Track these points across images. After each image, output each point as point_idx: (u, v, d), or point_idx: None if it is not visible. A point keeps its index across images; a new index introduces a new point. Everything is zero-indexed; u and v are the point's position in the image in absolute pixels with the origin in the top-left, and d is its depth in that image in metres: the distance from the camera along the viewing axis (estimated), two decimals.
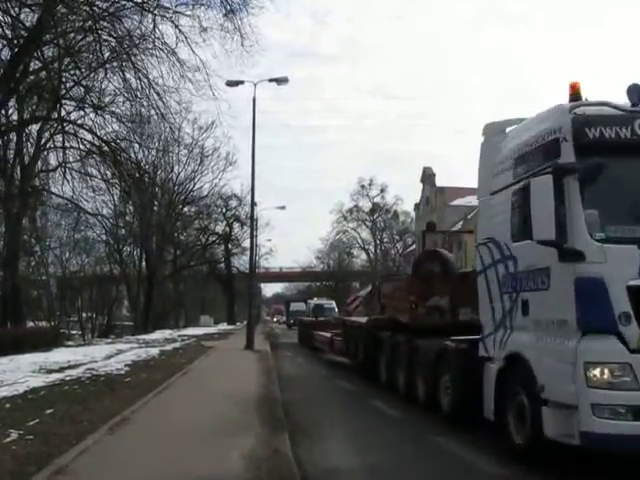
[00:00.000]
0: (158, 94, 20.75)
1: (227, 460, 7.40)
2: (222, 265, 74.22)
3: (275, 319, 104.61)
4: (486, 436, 9.04)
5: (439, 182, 67.72)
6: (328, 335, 23.55)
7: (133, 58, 20.55)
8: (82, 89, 23.01)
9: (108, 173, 26.58)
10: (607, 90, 7.66)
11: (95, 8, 19.55)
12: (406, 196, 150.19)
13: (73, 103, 23.65)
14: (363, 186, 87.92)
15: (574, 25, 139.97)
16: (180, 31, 20.02)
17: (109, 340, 37.46)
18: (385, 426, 10.74)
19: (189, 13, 20.15)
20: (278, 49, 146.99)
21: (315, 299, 58.60)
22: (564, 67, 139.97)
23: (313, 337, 27.23)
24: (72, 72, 22.82)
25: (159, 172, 45.11)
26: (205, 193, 59.45)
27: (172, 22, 19.95)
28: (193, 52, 20.19)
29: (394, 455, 8.55)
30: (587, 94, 7.58)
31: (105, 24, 20.06)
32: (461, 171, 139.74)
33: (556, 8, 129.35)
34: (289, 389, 15.09)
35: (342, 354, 20.69)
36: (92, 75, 22.36)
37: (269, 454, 7.67)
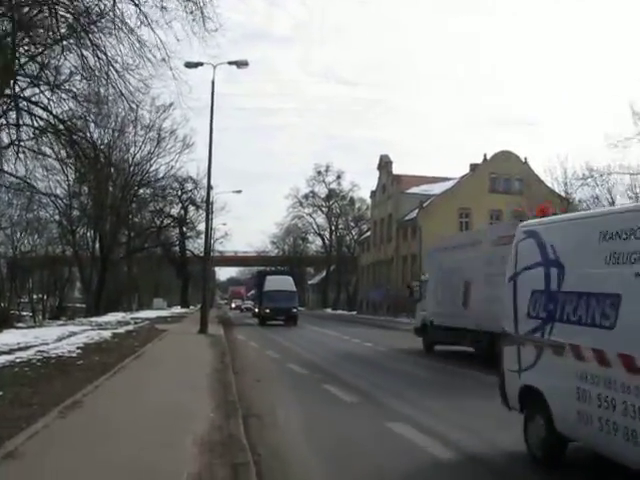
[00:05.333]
0: (117, 72, 20.32)
1: (180, 445, 7.40)
2: (176, 248, 73.73)
3: (234, 304, 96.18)
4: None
5: (395, 170, 68.12)
6: None
7: (91, 36, 20.10)
8: (37, 65, 22.48)
9: (63, 152, 26.00)
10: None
11: None
12: (362, 183, 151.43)
13: (27, 80, 23.08)
14: (319, 172, 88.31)
15: (540, 12, 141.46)
16: (141, 10, 19.62)
17: (61, 322, 36.98)
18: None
19: None
20: (231, 30, 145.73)
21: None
22: (529, 56, 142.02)
23: None
24: (26, 48, 22.26)
25: (115, 153, 44.42)
26: (161, 175, 58.95)
27: (132, 0, 19.54)
28: (154, 32, 19.79)
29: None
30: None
31: None
32: (416, 159, 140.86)
33: None
34: (242, 373, 15.14)
35: None
36: (47, 52, 21.83)
37: (222, 439, 7.70)
